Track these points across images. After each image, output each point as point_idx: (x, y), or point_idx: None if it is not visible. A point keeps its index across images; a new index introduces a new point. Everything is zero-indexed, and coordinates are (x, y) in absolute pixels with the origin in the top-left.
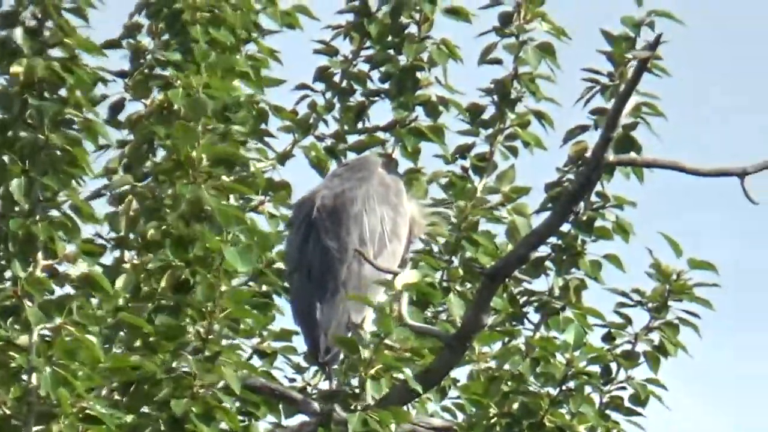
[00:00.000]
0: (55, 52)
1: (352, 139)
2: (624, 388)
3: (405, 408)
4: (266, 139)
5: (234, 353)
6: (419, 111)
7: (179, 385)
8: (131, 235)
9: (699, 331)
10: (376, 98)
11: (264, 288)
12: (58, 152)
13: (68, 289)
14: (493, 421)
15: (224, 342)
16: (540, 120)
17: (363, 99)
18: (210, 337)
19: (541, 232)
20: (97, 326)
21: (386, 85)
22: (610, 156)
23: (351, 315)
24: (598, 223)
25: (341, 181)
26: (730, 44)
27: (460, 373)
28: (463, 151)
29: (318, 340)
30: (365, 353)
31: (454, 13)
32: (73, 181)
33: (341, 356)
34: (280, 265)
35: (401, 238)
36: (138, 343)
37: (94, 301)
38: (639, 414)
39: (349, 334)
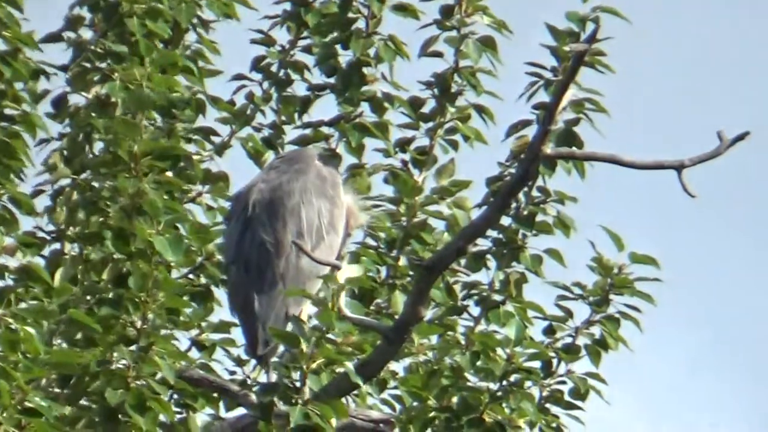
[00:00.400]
0: None
1: (294, 133)
2: (564, 382)
3: (344, 400)
4: (210, 137)
5: (169, 344)
6: (365, 107)
7: (114, 377)
8: (70, 228)
9: (640, 326)
10: (322, 93)
11: (203, 280)
12: None
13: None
14: (432, 415)
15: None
16: (481, 114)
17: (308, 93)
18: (145, 327)
19: (479, 225)
20: (44, 320)
21: (332, 80)
22: (548, 149)
23: (289, 308)
24: (540, 217)
25: (278, 173)
26: (672, 41)
27: (400, 366)
28: (403, 145)
29: (256, 333)
30: (306, 347)
31: (402, 9)
32: (12, 174)
33: (280, 349)
34: (219, 257)
35: (338, 231)
36: (79, 336)
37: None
38: (579, 408)
39: (290, 327)
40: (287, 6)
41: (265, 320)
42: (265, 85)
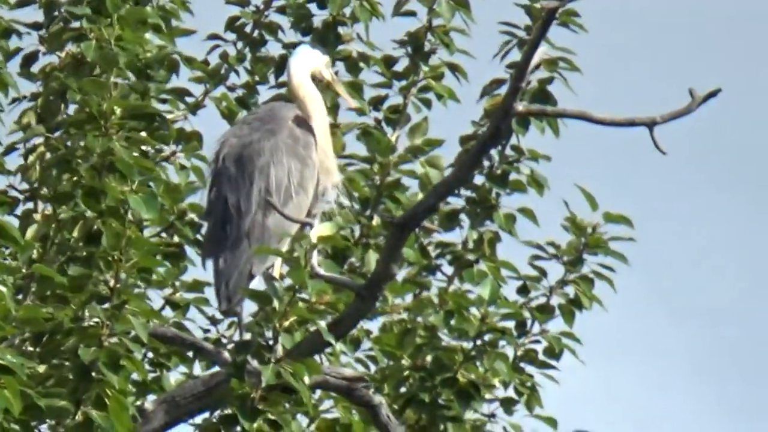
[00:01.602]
0: None
1: (269, 93)
2: (538, 341)
3: (317, 359)
4: (183, 97)
5: (142, 302)
6: (339, 66)
7: (87, 335)
8: (43, 187)
9: (614, 285)
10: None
11: (176, 239)
12: None
13: None
14: (406, 374)
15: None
16: (454, 72)
17: (284, 52)
18: (117, 286)
19: (450, 182)
20: (10, 276)
21: (307, 39)
22: (519, 106)
23: (254, 266)
24: (513, 176)
25: (250, 130)
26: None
27: (374, 326)
28: (376, 103)
29: (219, 289)
30: (279, 305)
31: None
32: None
33: (247, 305)
34: (192, 216)
35: (308, 191)
36: (50, 294)
37: (5, 251)
38: (553, 367)
39: (261, 285)
40: None
41: (228, 278)
42: (239, 45)
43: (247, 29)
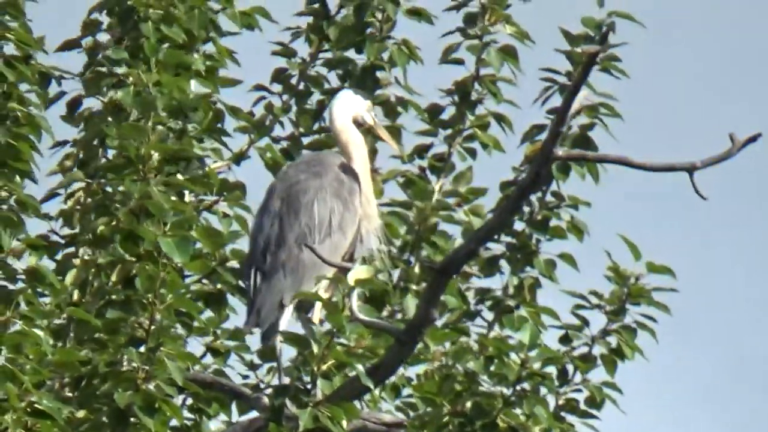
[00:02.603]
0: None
1: (309, 138)
2: (580, 390)
3: (356, 404)
4: (223, 139)
5: (177, 345)
6: (377, 111)
7: (123, 379)
8: (83, 232)
9: (656, 336)
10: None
11: (218, 286)
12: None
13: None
14: (445, 420)
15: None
16: (499, 122)
17: (322, 97)
18: (152, 328)
19: (490, 227)
20: (45, 320)
21: (346, 84)
22: (559, 151)
23: (284, 296)
24: (553, 222)
25: (297, 172)
26: (685, 43)
27: (414, 373)
28: (420, 151)
29: (251, 317)
30: (317, 349)
31: (417, 14)
32: (18, 177)
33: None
34: (233, 263)
35: (347, 234)
36: (88, 338)
37: (45, 297)
38: (594, 417)
39: (298, 328)
40: (309, 18)
41: (260, 306)
42: (285, 96)
43: (293, 81)
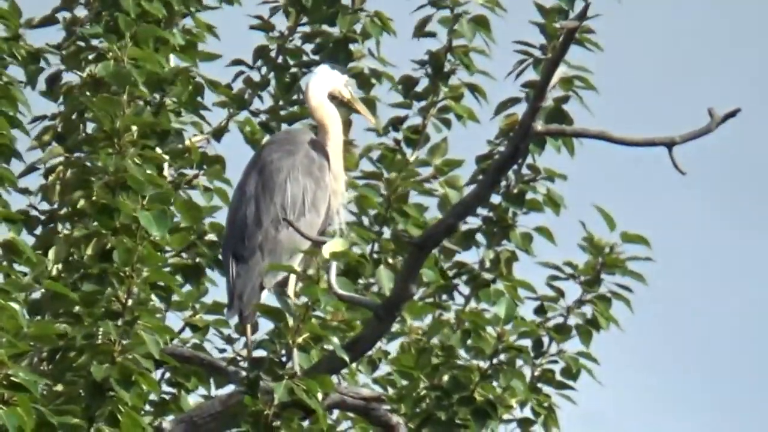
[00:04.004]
0: None
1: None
2: (556, 361)
3: (333, 378)
4: (202, 113)
5: (154, 318)
6: (351, 83)
7: (100, 352)
8: (63, 207)
9: (631, 306)
10: (309, 70)
11: (197, 260)
12: None
13: None
14: (423, 393)
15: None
16: (473, 93)
17: (296, 71)
18: (129, 302)
19: (469, 202)
20: (22, 293)
21: (318, 57)
22: (538, 125)
23: (264, 279)
24: (529, 195)
25: (269, 151)
26: (661, 16)
27: (392, 347)
28: (395, 124)
29: (232, 300)
30: (292, 321)
31: None
32: None
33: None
34: (212, 236)
35: (320, 211)
36: (64, 312)
37: (20, 268)
38: (570, 387)
39: (273, 300)
40: None
41: (241, 291)
42: (264, 70)
43: (272, 54)
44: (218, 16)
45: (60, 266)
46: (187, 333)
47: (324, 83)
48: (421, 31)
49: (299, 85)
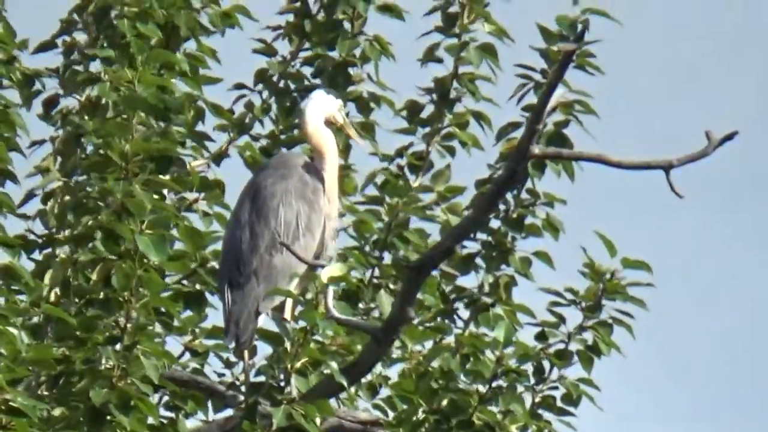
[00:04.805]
0: None
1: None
2: (556, 387)
3: (332, 402)
4: (203, 141)
5: (154, 343)
6: (351, 107)
7: (99, 376)
8: (61, 231)
9: (633, 332)
10: (307, 94)
11: (197, 287)
12: None
13: None
14: (422, 417)
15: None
16: (478, 120)
17: (296, 95)
18: (128, 326)
19: (466, 225)
20: (20, 318)
21: (318, 81)
22: (536, 149)
23: (260, 304)
24: (529, 220)
25: (264, 176)
26: (660, 40)
27: (392, 372)
28: (400, 151)
29: (228, 327)
30: (290, 346)
31: (388, 10)
32: None
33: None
34: (214, 264)
35: (314, 235)
36: (65, 336)
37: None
38: (571, 414)
39: (271, 326)
40: (290, 17)
41: (238, 317)
42: (265, 94)
43: (273, 78)
44: (219, 39)
45: (58, 290)
46: (187, 357)
47: (319, 108)
48: (428, 57)
49: (299, 109)
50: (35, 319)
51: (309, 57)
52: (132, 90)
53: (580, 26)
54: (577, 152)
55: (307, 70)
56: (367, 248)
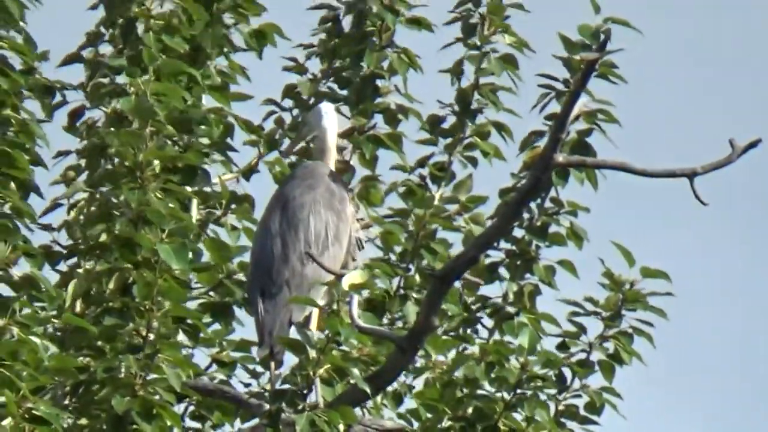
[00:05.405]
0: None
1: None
2: (579, 396)
3: (357, 411)
4: (230, 153)
5: (175, 351)
6: (378, 119)
7: (121, 385)
8: (84, 241)
9: (653, 341)
10: (337, 104)
11: (225, 299)
12: None
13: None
14: (447, 425)
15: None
16: (499, 131)
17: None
18: (150, 335)
19: (491, 234)
20: (42, 327)
21: (345, 92)
22: (560, 157)
23: (293, 314)
24: (552, 228)
25: (291, 187)
26: (683, 48)
27: (417, 382)
28: (422, 162)
29: (262, 336)
30: (313, 353)
31: (416, 23)
32: (12, 184)
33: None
34: (241, 276)
35: (342, 244)
36: (85, 345)
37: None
38: (594, 422)
39: (294, 334)
40: (321, 35)
41: (271, 327)
42: (295, 111)
43: (303, 96)
44: (249, 56)
45: (82, 302)
46: (214, 369)
47: (335, 124)
48: (456, 71)
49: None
50: (54, 328)
51: (336, 69)
52: (144, 100)
53: (602, 36)
54: (600, 160)
55: (336, 87)
56: (393, 258)
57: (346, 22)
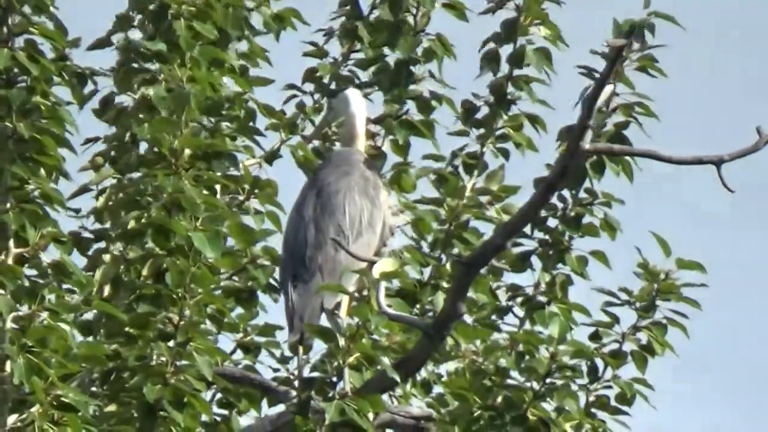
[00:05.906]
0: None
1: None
2: (610, 387)
3: (385, 398)
4: (255, 137)
5: (207, 340)
6: (411, 105)
7: (152, 373)
8: (113, 228)
9: (687, 332)
10: (369, 90)
11: (249, 284)
12: (26, 141)
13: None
14: (476, 414)
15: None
16: (533, 124)
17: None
18: (182, 323)
19: (516, 221)
20: (71, 314)
21: (367, 77)
22: (587, 144)
23: (325, 300)
24: (586, 219)
25: (326, 173)
26: (711, 35)
27: (445, 370)
28: (455, 153)
29: (292, 322)
30: (342, 341)
31: (451, 7)
32: (42, 170)
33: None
34: (264, 261)
35: (376, 230)
36: (117, 333)
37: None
38: (625, 413)
39: (325, 322)
40: (341, 19)
41: (302, 312)
42: (317, 95)
43: (325, 80)
44: (270, 40)
45: (109, 287)
46: (238, 355)
47: (364, 109)
48: (490, 63)
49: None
50: (87, 316)
51: (360, 59)
52: (180, 87)
53: (640, 29)
54: (627, 148)
55: (358, 71)
56: (425, 248)
57: (365, 5)
